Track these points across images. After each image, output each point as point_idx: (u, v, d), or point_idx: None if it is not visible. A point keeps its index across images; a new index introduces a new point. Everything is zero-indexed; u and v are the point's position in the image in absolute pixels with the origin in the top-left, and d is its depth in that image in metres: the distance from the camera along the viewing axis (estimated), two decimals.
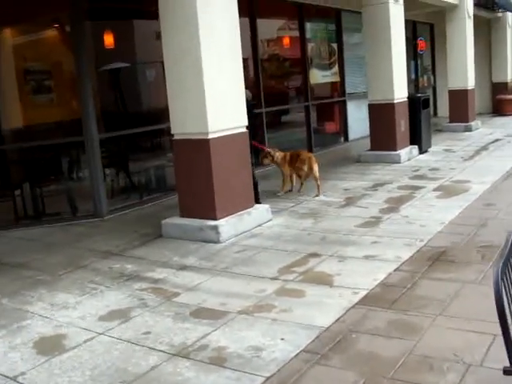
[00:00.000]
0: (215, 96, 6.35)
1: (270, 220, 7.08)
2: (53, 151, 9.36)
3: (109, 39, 9.88)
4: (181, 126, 6.53)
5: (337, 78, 13.88)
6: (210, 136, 6.31)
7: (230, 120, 6.57)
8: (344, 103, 14.00)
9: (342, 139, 14.07)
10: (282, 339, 4.08)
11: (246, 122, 6.83)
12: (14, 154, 9.65)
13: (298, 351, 3.90)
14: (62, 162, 9.23)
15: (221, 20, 6.45)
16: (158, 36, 7.24)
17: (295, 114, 13.53)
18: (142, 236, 6.92)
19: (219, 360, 3.86)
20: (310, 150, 12.61)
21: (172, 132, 6.63)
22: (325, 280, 5.14)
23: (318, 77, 13.23)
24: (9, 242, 7.29)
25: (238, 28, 6.77)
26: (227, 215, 6.52)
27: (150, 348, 4.12)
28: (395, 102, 10.92)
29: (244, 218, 6.68)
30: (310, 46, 12.90)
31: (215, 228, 6.35)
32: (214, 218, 6.42)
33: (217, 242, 6.32)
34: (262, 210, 6.99)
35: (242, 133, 6.80)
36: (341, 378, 3.58)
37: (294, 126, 13.48)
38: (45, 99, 9.81)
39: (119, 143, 9.34)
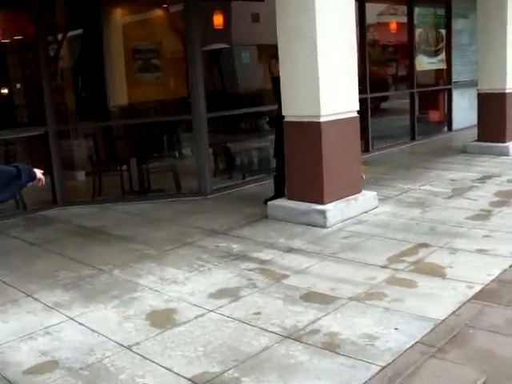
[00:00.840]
0: (329, 78, 6.26)
1: (376, 207, 6.95)
2: (159, 129, 9.60)
3: (217, 20, 9.98)
4: (292, 108, 6.49)
5: (443, 66, 13.41)
6: (322, 119, 6.24)
7: (342, 104, 6.46)
8: (450, 91, 13.54)
9: (446, 128, 13.62)
10: (396, 329, 3.99)
11: (357, 107, 6.72)
12: (121, 131, 9.97)
13: (412, 342, 3.80)
14: (167, 139, 9.44)
15: (337, 1, 6.33)
16: (257, 18, 7.38)
17: (395, 101, 13.22)
18: (247, 216, 6.96)
19: (332, 346, 3.82)
20: (413, 139, 12.32)
21: (283, 114, 6.60)
22: (437, 272, 4.99)
23: (424, 63, 12.83)
24: (115, 216, 7.52)
25: (354, 10, 6.65)
26: (334, 200, 6.45)
27: (261, 328, 4.13)
28: (507, 91, 10.41)
29: (351, 204, 6.59)
30: (417, 31, 12.52)
31: (322, 212, 6.29)
32: (322, 203, 6.36)
33: (323, 226, 6.27)
34: (368, 197, 6.87)
35: (353, 117, 6.69)
36: (460, 374, 3.46)
37: (395, 113, 13.19)
38: (151, 78, 10.05)
39: (224, 123, 9.44)
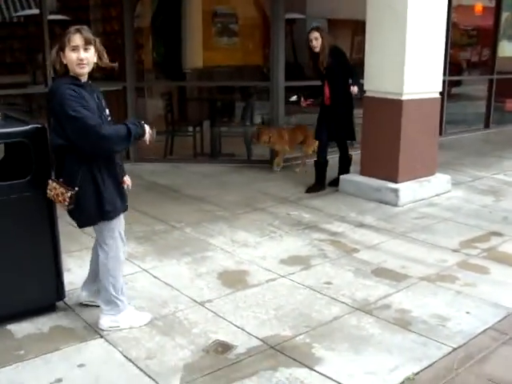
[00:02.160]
0: (415, 56, 6.15)
1: (449, 191, 6.83)
2: (234, 94, 9.62)
3: None
4: (375, 83, 6.40)
5: None
6: (404, 97, 6.15)
7: (425, 83, 6.35)
8: None
9: None
10: (468, 313, 3.96)
11: (440, 88, 6.58)
12: (195, 93, 10.02)
13: (485, 327, 3.77)
14: (242, 105, 9.45)
15: None
16: None
17: (469, 87, 12.86)
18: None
19: (403, 322, 3.82)
20: (487, 126, 12.00)
21: (365, 88, 6.53)
22: (510, 261, 4.90)
23: (508, 50, 12.42)
24: (187, 175, 7.63)
25: None
26: (408, 180, 6.38)
27: (332, 298, 4.16)
28: None
29: (424, 185, 6.51)
30: (504, 15, 12.09)
31: (395, 191, 6.23)
32: (395, 181, 6.30)
33: (394, 205, 6.22)
34: (442, 180, 6.76)
35: (435, 98, 6.57)
36: None
37: (468, 98, 12.83)
38: (229, 42, 10.03)
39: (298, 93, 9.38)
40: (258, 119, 9.48)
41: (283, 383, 3.15)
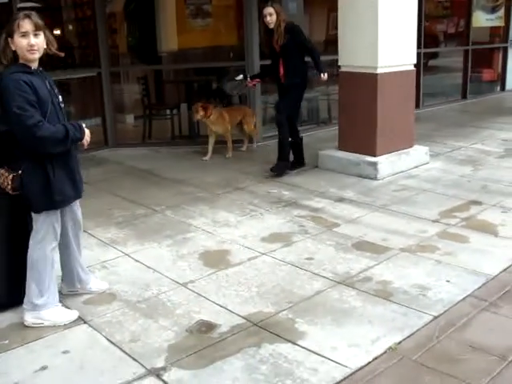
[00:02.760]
0: (388, 29, 6.16)
1: (427, 163, 6.88)
2: (208, 75, 9.56)
3: None
4: (349, 58, 6.40)
5: (501, 23, 12.99)
6: (379, 71, 6.16)
7: (399, 56, 6.36)
8: (505, 50, 13.14)
9: (499, 88, 13.28)
10: (448, 281, 4.00)
11: (414, 60, 6.59)
12: (171, 76, 9.96)
13: (464, 295, 3.81)
14: (217, 86, 9.40)
15: None
16: None
17: (446, 59, 12.89)
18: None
19: (384, 293, 3.85)
20: (464, 97, 12.07)
21: (339, 64, 6.52)
22: (489, 229, 4.95)
23: (482, 20, 12.44)
24: (166, 158, 7.61)
25: None
26: (386, 153, 6.41)
27: (313, 273, 4.19)
28: None
29: (402, 158, 6.54)
30: None
31: (374, 164, 6.27)
32: (374, 155, 6.33)
33: (373, 178, 6.25)
34: (420, 152, 6.80)
35: (410, 70, 6.59)
36: None
37: (445, 70, 12.87)
38: (202, 24, 9.95)
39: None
40: (236, 99, 9.45)
41: (267, 359, 3.18)
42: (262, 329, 3.48)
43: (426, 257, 4.39)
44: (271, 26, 6.31)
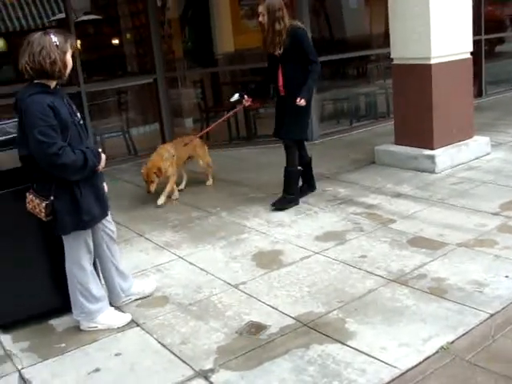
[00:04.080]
0: (440, 17, 5.98)
1: (489, 153, 6.65)
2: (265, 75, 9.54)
3: None
4: (401, 50, 6.26)
5: None
6: (433, 61, 6.00)
7: (454, 44, 6.17)
8: None
9: None
10: (507, 277, 3.85)
11: (470, 48, 6.39)
12: (227, 77, 10.01)
13: None
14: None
15: None
16: None
17: None
18: (354, 161, 6.89)
19: (439, 291, 3.75)
20: None
21: (391, 56, 6.39)
22: None
23: None
24: (223, 160, 7.61)
25: None
26: (444, 145, 6.24)
27: (366, 272, 4.12)
28: None
29: (461, 150, 6.35)
30: None
31: (431, 158, 6.11)
32: (431, 148, 6.17)
33: (432, 172, 6.10)
34: (481, 143, 6.59)
35: (466, 59, 6.38)
36: None
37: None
38: (257, 24, 9.95)
39: (332, 69, 9.27)
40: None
41: (315, 360, 3.15)
42: (312, 329, 3.45)
43: (484, 252, 4.25)
44: (263, 22, 5.30)
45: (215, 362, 3.21)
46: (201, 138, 6.62)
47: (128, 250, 4.86)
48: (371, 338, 3.31)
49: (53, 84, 3.36)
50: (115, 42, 9.46)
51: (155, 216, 5.66)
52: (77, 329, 3.67)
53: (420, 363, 3.05)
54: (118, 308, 3.87)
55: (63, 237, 3.55)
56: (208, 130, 6.55)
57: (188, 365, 3.21)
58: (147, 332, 3.59)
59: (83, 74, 7.56)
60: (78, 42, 9.01)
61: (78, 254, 3.57)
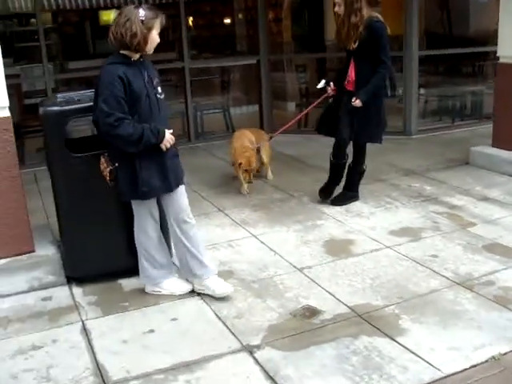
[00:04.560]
0: None
1: None
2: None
3: None
4: (509, 48, 6.00)
5: None
6: None
7: None
8: None
9: None
10: None
11: None
12: (335, 64, 9.94)
13: None
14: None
15: None
16: None
17: None
18: (447, 160, 6.69)
19: (504, 300, 3.63)
20: None
21: (498, 54, 6.14)
22: None
23: None
24: (316, 146, 7.44)
25: None
26: None
27: (433, 271, 4.05)
28: None
29: None
30: None
31: None
32: None
33: None
34: None
35: None
36: None
37: None
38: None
39: (438, 63, 9.02)
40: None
41: (360, 351, 3.16)
42: (365, 320, 3.46)
43: None
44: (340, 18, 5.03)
45: (263, 340, 3.30)
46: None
47: (205, 223, 5.03)
48: (422, 337, 3.28)
49: (135, 56, 3.47)
50: (227, 21, 9.65)
51: (238, 194, 5.80)
52: (142, 291, 3.88)
53: (465, 369, 3.00)
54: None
55: (132, 203, 3.72)
56: (291, 124, 6.19)
57: (237, 338, 3.33)
58: (206, 302, 3.74)
59: (189, 50, 7.81)
60: (190, 19, 9.38)
61: (143, 221, 3.74)
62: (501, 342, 3.20)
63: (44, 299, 3.91)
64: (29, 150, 7.24)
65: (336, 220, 5.07)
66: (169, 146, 3.57)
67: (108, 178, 3.59)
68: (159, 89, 3.59)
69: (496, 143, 6.28)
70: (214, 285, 3.79)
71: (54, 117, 3.82)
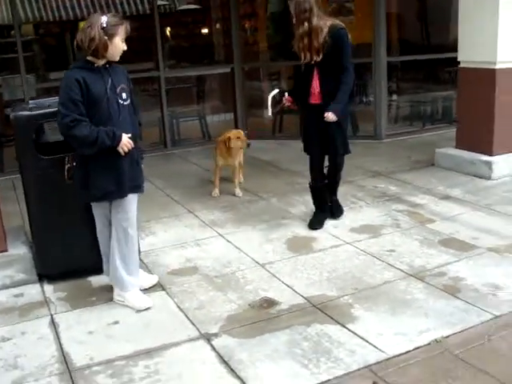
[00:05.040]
0: (509, 22, 5.91)
1: None
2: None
3: None
4: (468, 54, 6.23)
5: None
6: (498, 66, 5.95)
7: None
8: None
9: None
10: None
11: None
12: None
13: None
14: None
15: None
16: None
17: None
18: (414, 162, 6.93)
19: (453, 289, 3.83)
20: None
21: (458, 59, 6.38)
22: None
23: None
24: (290, 152, 7.73)
25: None
26: (505, 152, 6.17)
27: (388, 264, 4.26)
28: None
29: None
30: None
31: (488, 164, 6.07)
32: (490, 154, 6.13)
33: (488, 178, 6.06)
34: None
35: None
36: None
37: None
38: (344, 21, 10.03)
39: (410, 70, 9.25)
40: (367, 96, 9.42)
41: (311, 337, 3.35)
42: (319, 310, 3.65)
43: None
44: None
45: (221, 329, 3.48)
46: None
47: (175, 225, 5.24)
48: (371, 324, 3.47)
49: (99, 62, 3.55)
50: (203, 31, 9.86)
51: (209, 197, 6.00)
52: (110, 287, 4.04)
53: (408, 352, 3.19)
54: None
55: (91, 204, 3.83)
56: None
57: (196, 327, 3.51)
58: (170, 296, 3.93)
59: (165, 60, 8.03)
60: (168, 29, 9.59)
61: (98, 224, 3.87)
62: (445, 326, 3.39)
63: (16, 296, 4.07)
64: (8, 158, 7.40)
65: (300, 219, 5.26)
66: (126, 149, 3.60)
67: (66, 176, 3.76)
68: (123, 95, 3.65)
69: (459, 145, 6.51)
70: (135, 299, 3.82)
71: (24, 121, 4.01)
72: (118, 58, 3.65)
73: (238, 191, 6.08)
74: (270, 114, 5.42)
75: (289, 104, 5.14)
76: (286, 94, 5.14)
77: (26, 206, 4.24)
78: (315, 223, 5.09)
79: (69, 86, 3.47)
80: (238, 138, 6.02)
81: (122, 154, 3.59)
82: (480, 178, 6.14)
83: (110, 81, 3.59)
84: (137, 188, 3.79)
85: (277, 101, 5.31)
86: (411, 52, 8.81)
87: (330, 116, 4.69)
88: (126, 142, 3.59)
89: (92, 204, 3.82)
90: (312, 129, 4.99)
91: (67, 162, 3.77)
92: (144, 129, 8.74)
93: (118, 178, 3.63)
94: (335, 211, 5.29)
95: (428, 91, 9.39)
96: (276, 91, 5.31)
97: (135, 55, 9.30)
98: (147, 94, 8.73)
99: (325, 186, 5.22)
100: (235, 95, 8.39)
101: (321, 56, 4.70)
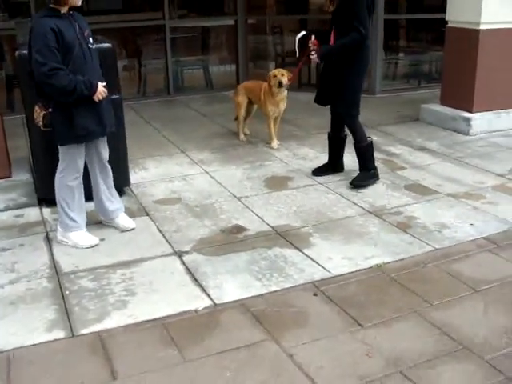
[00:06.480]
0: None
1: None
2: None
3: None
4: (455, 14, 6.52)
5: None
6: (482, 27, 6.23)
7: (506, 13, 6.34)
8: None
9: None
10: (471, 224, 4.28)
11: None
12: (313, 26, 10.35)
13: (477, 237, 4.09)
14: None
15: None
16: None
17: None
18: (400, 117, 7.30)
19: (404, 225, 4.27)
20: None
21: (446, 19, 6.67)
22: None
23: None
24: (289, 103, 8.11)
25: None
26: (484, 110, 6.51)
27: (353, 203, 4.70)
28: None
29: (502, 117, 6.58)
30: None
31: (467, 120, 6.43)
32: (470, 111, 6.47)
33: (466, 133, 6.42)
34: None
35: None
36: (502, 268, 3.70)
37: None
38: None
39: (406, 28, 9.48)
40: None
41: (269, 257, 3.83)
42: (282, 237, 4.12)
43: (467, 203, 4.67)
44: None
45: (192, 248, 3.97)
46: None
47: (166, 162, 5.73)
48: (325, 250, 3.93)
49: (63, 9, 3.67)
50: None
51: (202, 139, 6.47)
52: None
53: (350, 272, 3.65)
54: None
55: (59, 150, 3.93)
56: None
57: (171, 246, 4.01)
58: (152, 220, 4.42)
59: (170, 8, 8.38)
60: None
61: (65, 170, 3.94)
62: (388, 255, 3.85)
63: (17, 216, 4.59)
64: (18, 99, 7.85)
65: (282, 162, 5.71)
66: (101, 97, 3.78)
67: (41, 123, 3.80)
68: (91, 39, 3.82)
69: (443, 101, 6.86)
70: (122, 221, 4.26)
71: (27, 58, 4.43)
72: (80, 3, 3.75)
73: (275, 143, 6.19)
74: (297, 55, 5.34)
75: (315, 47, 4.96)
76: (313, 36, 5.02)
77: (28, 137, 4.72)
78: (315, 170, 5.40)
79: (44, 34, 3.55)
80: (283, 75, 5.97)
81: (97, 101, 3.78)
82: (459, 133, 6.50)
83: (77, 26, 3.74)
84: (112, 125, 4.06)
85: (302, 44, 5.20)
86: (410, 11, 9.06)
87: (315, 57, 4.92)
88: (101, 90, 3.79)
89: (64, 150, 3.89)
90: (322, 81, 5.24)
91: (41, 110, 3.79)
92: (149, 76, 9.25)
93: (99, 117, 3.85)
94: (356, 179, 5.11)
95: (426, 50, 9.64)
96: (303, 33, 5.19)
97: (142, 4, 9.72)
98: (153, 42, 9.06)
99: (338, 139, 5.40)
100: (237, 47, 8.72)
101: (333, 7, 4.85)
